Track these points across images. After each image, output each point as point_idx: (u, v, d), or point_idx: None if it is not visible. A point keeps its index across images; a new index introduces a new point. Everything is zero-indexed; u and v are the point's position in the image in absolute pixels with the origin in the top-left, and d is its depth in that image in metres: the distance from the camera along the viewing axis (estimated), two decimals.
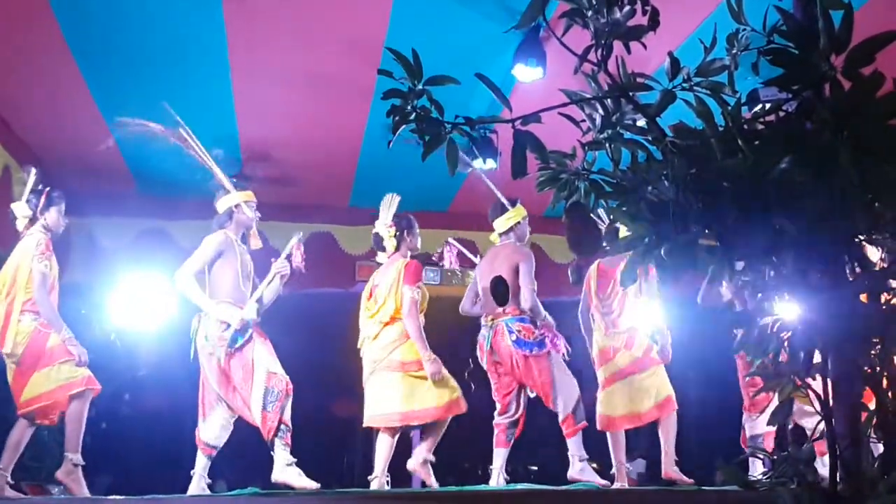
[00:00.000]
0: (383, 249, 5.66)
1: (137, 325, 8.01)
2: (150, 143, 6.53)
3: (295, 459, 4.95)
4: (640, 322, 5.84)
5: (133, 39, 5.70)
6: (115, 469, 8.08)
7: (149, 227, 8.10)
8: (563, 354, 5.54)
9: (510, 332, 5.52)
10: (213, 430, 5.11)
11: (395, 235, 5.61)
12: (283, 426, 4.96)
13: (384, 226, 5.64)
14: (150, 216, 8.07)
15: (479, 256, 6.27)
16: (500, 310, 5.61)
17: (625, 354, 5.78)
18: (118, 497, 4.86)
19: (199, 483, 5.05)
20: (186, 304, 7.62)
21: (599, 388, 5.88)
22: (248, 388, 4.98)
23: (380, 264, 5.75)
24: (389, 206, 5.68)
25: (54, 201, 5.25)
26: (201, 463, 5.09)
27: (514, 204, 5.80)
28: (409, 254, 5.66)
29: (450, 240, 6.44)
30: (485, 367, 5.73)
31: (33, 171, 5.28)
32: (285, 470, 4.91)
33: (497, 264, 5.67)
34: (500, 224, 5.79)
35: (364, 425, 5.53)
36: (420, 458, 5.42)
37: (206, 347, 5.08)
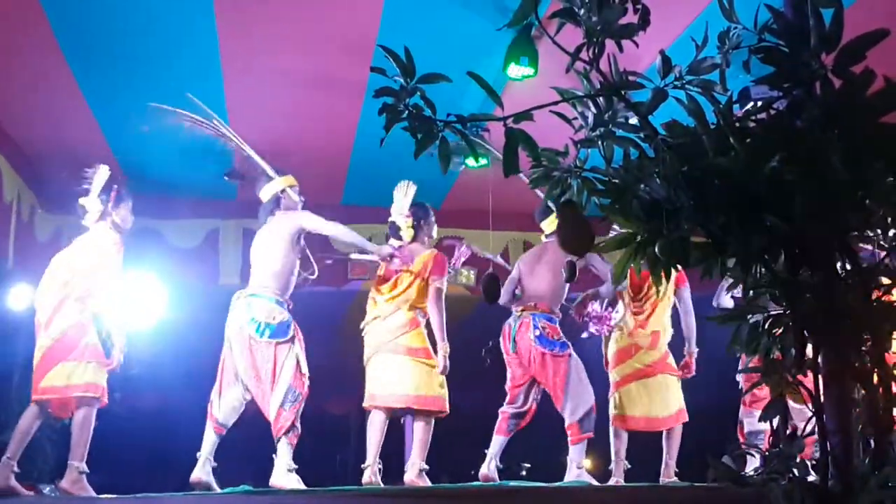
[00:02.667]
0: (399, 238, 5.63)
1: (129, 324, 7.99)
2: (141, 141, 6.54)
3: (296, 466, 4.94)
4: (666, 326, 5.95)
5: (123, 37, 5.68)
6: (107, 468, 8.04)
7: (140, 226, 8.06)
8: (608, 329, 5.81)
9: (535, 326, 5.63)
10: (225, 407, 5.08)
11: (412, 226, 5.61)
12: (294, 427, 4.96)
13: (401, 215, 5.63)
14: (141, 215, 8.03)
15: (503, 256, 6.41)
16: (531, 303, 5.72)
17: (644, 354, 5.85)
18: (110, 496, 4.85)
19: (205, 465, 4.99)
20: (178, 304, 7.62)
21: (612, 387, 5.91)
22: (270, 382, 4.97)
23: (375, 263, 5.75)
24: (406, 193, 5.68)
25: (124, 198, 5.30)
26: (210, 442, 5.04)
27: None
28: (426, 241, 5.67)
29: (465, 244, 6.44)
30: (504, 354, 5.81)
31: (105, 167, 5.30)
32: (286, 475, 4.88)
33: (547, 259, 5.82)
34: (548, 225, 5.91)
35: (364, 405, 5.49)
36: (416, 470, 5.36)
37: (245, 329, 5.05)
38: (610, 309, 5.87)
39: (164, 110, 5.25)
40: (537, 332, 5.60)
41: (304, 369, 5.06)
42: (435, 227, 5.78)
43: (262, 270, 5.22)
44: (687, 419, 5.83)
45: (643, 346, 5.86)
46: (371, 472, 5.26)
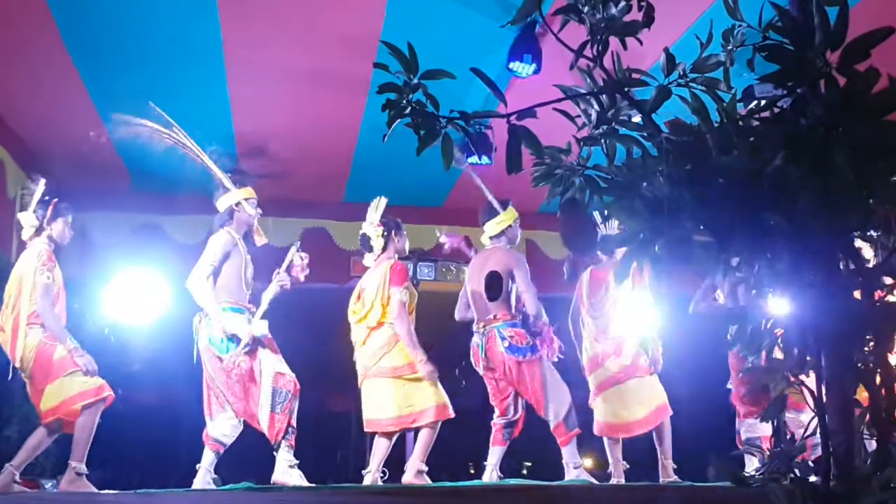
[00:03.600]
0: (370, 250, 5.62)
1: (131, 320, 8.00)
2: (145, 139, 6.54)
3: (298, 461, 4.94)
4: (631, 329, 5.85)
5: (128, 35, 5.69)
6: (109, 464, 8.06)
7: (143, 222, 8.09)
8: (557, 353, 5.53)
9: (502, 338, 5.51)
10: (222, 427, 5.08)
11: (382, 235, 5.57)
12: (290, 428, 4.95)
13: (371, 226, 5.60)
14: (144, 211, 8.06)
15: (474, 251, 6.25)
16: (490, 315, 5.60)
17: (614, 361, 5.80)
18: (112, 492, 4.85)
19: (204, 477, 5.01)
20: (180, 300, 7.61)
21: (591, 395, 5.90)
22: (255, 392, 4.96)
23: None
24: (377, 208, 5.64)
25: (62, 212, 5.21)
26: (208, 458, 5.06)
27: (505, 206, 5.75)
28: (395, 255, 5.62)
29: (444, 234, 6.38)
30: (481, 371, 5.71)
31: (42, 181, 5.23)
32: (288, 472, 4.89)
33: (488, 268, 5.64)
34: (491, 227, 5.77)
35: (366, 429, 5.51)
36: (414, 471, 5.36)
37: (209, 349, 5.05)
38: (552, 341, 5.69)
39: (126, 120, 5.22)
40: (506, 343, 5.49)
41: (281, 367, 5.04)
42: (407, 242, 5.74)
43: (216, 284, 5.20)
44: (670, 413, 5.77)
45: (610, 353, 5.82)
46: (372, 480, 5.29)
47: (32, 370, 4.95)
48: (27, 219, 5.16)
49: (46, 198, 5.19)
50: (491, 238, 5.80)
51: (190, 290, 5.11)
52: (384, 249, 5.59)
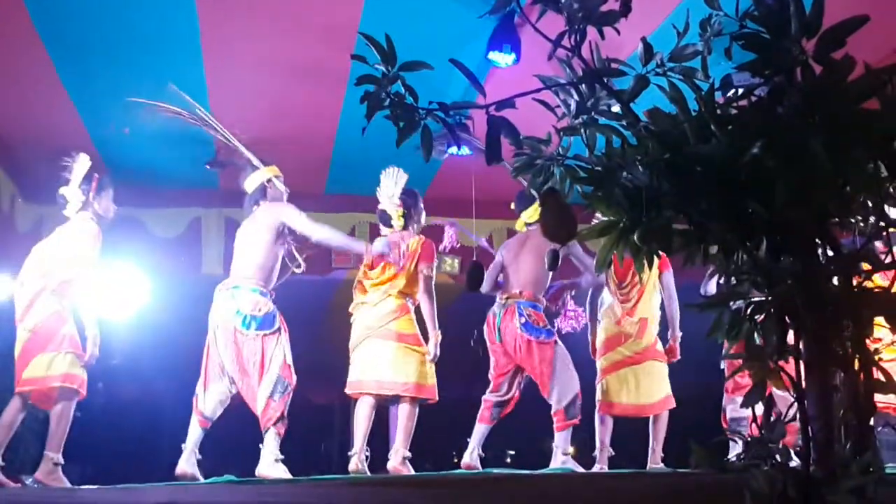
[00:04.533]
0: (389, 226, 5.61)
1: (110, 313, 7.95)
2: (121, 131, 6.49)
3: (283, 456, 4.94)
4: (654, 313, 5.97)
5: (104, 25, 5.63)
6: (89, 458, 8.03)
7: (122, 215, 8.01)
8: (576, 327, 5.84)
9: (520, 314, 5.62)
10: (210, 402, 5.07)
11: (402, 216, 5.58)
12: (282, 417, 4.96)
13: (392, 203, 5.59)
14: (122, 204, 7.98)
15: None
16: (517, 291, 5.72)
17: (633, 343, 5.88)
18: (91, 486, 4.83)
19: (189, 458, 4.98)
20: (160, 294, 7.57)
21: (600, 374, 5.94)
22: (258, 373, 4.96)
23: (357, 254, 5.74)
24: (396, 181, 5.62)
25: (105, 187, 5.28)
26: (195, 436, 5.03)
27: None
28: (414, 228, 5.63)
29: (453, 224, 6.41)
30: (488, 342, 5.80)
31: (84, 156, 5.26)
32: (273, 465, 4.88)
33: (529, 247, 5.80)
34: (531, 214, 5.87)
35: (348, 391, 5.47)
36: (399, 458, 5.37)
37: (231, 322, 5.02)
38: (581, 309, 5.87)
39: (145, 104, 5.21)
40: (523, 320, 5.60)
41: (290, 360, 5.07)
42: (423, 214, 5.75)
43: (246, 261, 5.19)
44: (674, 405, 5.87)
45: (632, 334, 5.90)
46: (357, 460, 5.25)
47: (34, 335, 4.93)
48: (73, 193, 5.19)
49: (90, 173, 5.25)
50: (528, 225, 5.94)
51: (320, 236, 5.23)
52: (405, 227, 5.61)
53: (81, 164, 5.24)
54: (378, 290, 5.47)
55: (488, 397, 5.76)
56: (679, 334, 5.95)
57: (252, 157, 5.39)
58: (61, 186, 5.22)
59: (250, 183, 5.39)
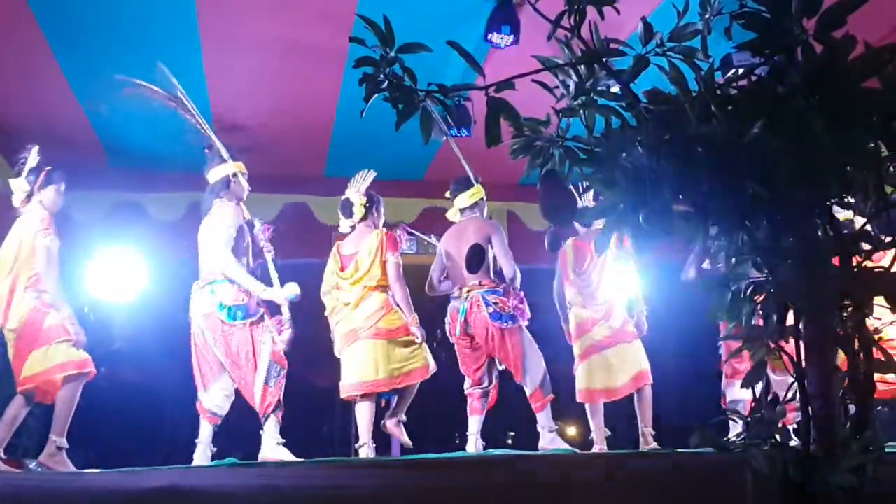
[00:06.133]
0: (350, 216, 5.72)
1: (111, 298, 7.96)
2: (121, 115, 6.46)
3: (284, 440, 4.96)
4: (618, 293, 5.93)
5: (101, 9, 5.60)
6: (92, 443, 8.05)
7: (122, 200, 8.01)
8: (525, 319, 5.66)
9: (487, 304, 5.56)
10: (216, 398, 5.09)
11: (364, 205, 5.69)
12: (279, 403, 4.99)
13: (357, 193, 5.70)
14: (123, 189, 7.98)
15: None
16: (474, 282, 5.65)
17: (602, 326, 5.87)
18: (95, 470, 4.85)
19: (204, 452, 5.03)
20: (159, 278, 7.57)
21: (577, 361, 5.95)
22: (251, 363, 4.97)
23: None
24: (364, 179, 5.77)
25: (53, 180, 5.20)
26: (206, 432, 5.07)
27: (477, 181, 5.92)
28: (372, 226, 5.72)
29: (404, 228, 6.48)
30: (453, 338, 5.78)
31: (35, 148, 5.23)
32: (276, 449, 4.92)
33: (467, 238, 5.72)
34: (464, 199, 5.87)
35: (344, 395, 5.53)
36: (395, 419, 5.53)
37: (215, 315, 5.03)
38: (523, 304, 5.73)
39: (129, 81, 5.17)
40: (491, 310, 5.54)
41: (278, 343, 5.07)
42: (383, 218, 5.84)
43: (215, 258, 5.16)
44: (650, 381, 5.85)
45: (599, 319, 5.89)
46: (366, 453, 5.37)
47: (21, 333, 4.92)
48: (18, 184, 5.16)
49: (38, 165, 5.18)
50: (462, 210, 5.90)
51: (228, 273, 5.06)
52: (364, 218, 5.69)
53: (32, 155, 5.21)
54: (357, 286, 5.54)
55: (472, 390, 5.75)
56: (643, 308, 5.93)
57: (221, 149, 5.37)
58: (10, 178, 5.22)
59: (214, 174, 5.37)
